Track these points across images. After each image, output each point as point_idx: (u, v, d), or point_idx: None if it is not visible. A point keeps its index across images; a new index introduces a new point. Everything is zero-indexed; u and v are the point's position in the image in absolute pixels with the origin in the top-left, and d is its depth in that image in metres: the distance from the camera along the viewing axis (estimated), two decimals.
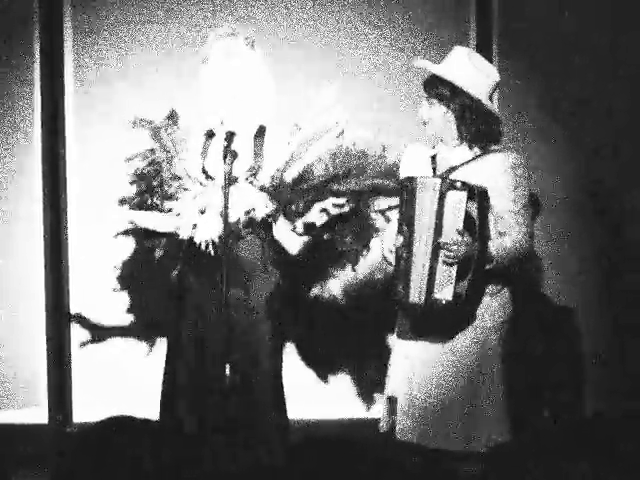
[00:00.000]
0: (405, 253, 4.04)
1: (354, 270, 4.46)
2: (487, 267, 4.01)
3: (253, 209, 4.18)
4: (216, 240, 4.18)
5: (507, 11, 5.53)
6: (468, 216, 3.95)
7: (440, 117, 4.11)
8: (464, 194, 3.95)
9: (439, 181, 3.99)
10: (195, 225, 4.21)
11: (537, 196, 5.27)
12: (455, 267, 3.95)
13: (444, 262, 3.96)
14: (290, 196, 4.20)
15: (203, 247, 4.19)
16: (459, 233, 3.93)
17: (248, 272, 4.23)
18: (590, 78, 5.49)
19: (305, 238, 4.27)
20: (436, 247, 3.98)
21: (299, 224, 4.23)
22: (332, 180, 4.20)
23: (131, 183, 4.43)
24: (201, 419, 4.26)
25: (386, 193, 4.28)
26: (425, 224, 4.00)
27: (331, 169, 4.20)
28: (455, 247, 3.93)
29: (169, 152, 4.32)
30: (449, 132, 4.12)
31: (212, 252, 4.18)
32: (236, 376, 4.15)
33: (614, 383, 5.52)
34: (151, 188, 4.38)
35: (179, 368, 4.31)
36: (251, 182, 4.20)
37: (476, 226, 3.95)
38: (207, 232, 4.19)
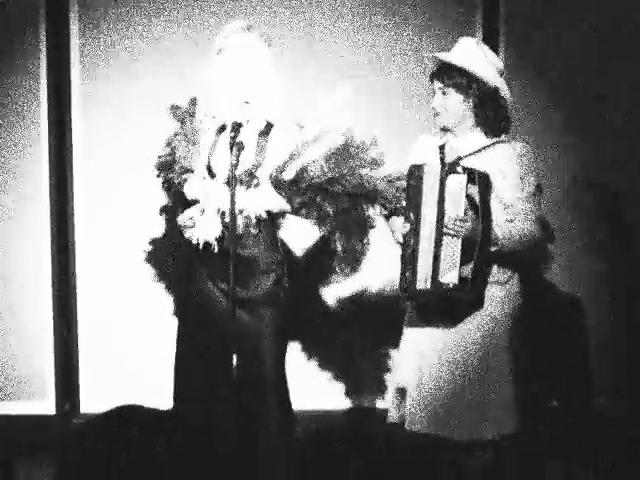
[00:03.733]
0: (412, 240, 4.07)
1: (346, 269, 4.46)
2: (493, 249, 4.04)
3: (246, 209, 4.18)
4: (212, 241, 4.19)
5: (513, 6, 5.53)
6: (470, 199, 3.99)
7: (457, 106, 4.14)
8: (464, 177, 4.00)
9: (439, 166, 4.04)
10: (194, 225, 4.22)
11: (553, 186, 5.29)
12: (459, 250, 3.99)
13: (448, 246, 3.99)
14: (286, 195, 4.21)
15: (201, 247, 4.20)
16: (460, 214, 3.97)
17: (249, 268, 4.23)
18: (596, 71, 5.49)
19: (310, 239, 4.28)
20: (439, 231, 4.01)
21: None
22: (328, 182, 4.20)
23: (157, 175, 4.45)
24: (208, 410, 4.26)
25: (380, 203, 4.27)
26: (430, 209, 4.03)
27: (326, 170, 4.20)
28: (455, 226, 3.96)
29: (188, 142, 4.32)
30: (464, 121, 4.16)
31: (216, 249, 4.19)
32: (242, 368, 4.17)
33: (620, 379, 5.52)
34: (168, 180, 4.40)
35: (187, 360, 4.32)
36: (248, 182, 4.20)
37: (478, 208, 3.99)
38: (205, 232, 4.20)
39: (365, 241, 4.26)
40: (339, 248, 4.23)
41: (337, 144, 4.22)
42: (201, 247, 4.21)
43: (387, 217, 4.29)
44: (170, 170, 4.37)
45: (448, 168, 4.03)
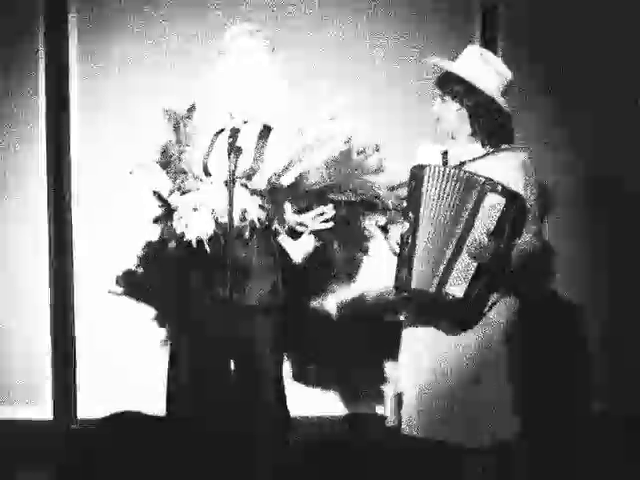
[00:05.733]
0: (410, 239, 4.05)
1: (345, 278, 4.46)
2: (508, 270, 4.02)
3: (245, 211, 4.17)
4: (205, 238, 4.18)
5: (512, 12, 5.53)
6: (501, 221, 3.96)
7: (453, 114, 4.13)
8: (503, 200, 3.96)
9: (483, 180, 3.99)
10: (187, 224, 4.21)
11: (550, 191, 5.28)
12: (474, 267, 3.97)
13: (464, 259, 3.98)
14: (284, 201, 4.19)
15: (194, 244, 4.19)
16: (489, 236, 3.94)
17: (243, 271, 4.22)
18: (596, 80, 5.49)
19: (309, 247, 4.27)
20: (460, 243, 3.99)
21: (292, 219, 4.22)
22: (326, 189, 4.19)
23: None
24: (205, 415, 4.26)
25: (380, 210, 4.25)
26: (447, 216, 4.01)
27: (326, 177, 4.19)
28: (482, 249, 3.94)
29: (181, 146, 4.32)
30: (462, 129, 4.15)
31: (207, 249, 4.17)
32: (239, 374, 4.17)
33: (619, 381, 5.52)
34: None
35: (182, 366, 4.31)
36: (245, 185, 4.19)
37: (506, 232, 3.96)
38: (198, 230, 4.18)
39: (365, 250, 4.26)
40: (339, 259, 4.22)
41: (339, 151, 4.21)
42: (194, 244, 4.19)
43: (383, 228, 4.27)
44: (165, 170, 4.36)
45: (490, 186, 3.97)
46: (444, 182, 4.03)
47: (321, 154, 4.21)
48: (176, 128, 4.36)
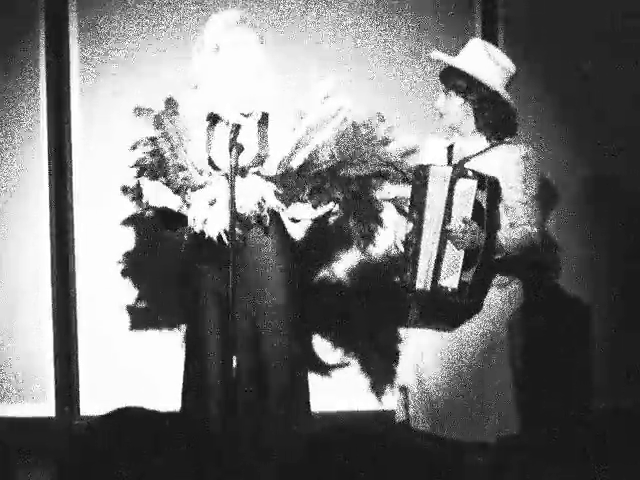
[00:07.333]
0: (414, 239, 4.06)
1: (363, 253, 4.45)
2: (496, 257, 4.02)
3: (263, 200, 4.16)
4: (223, 233, 4.16)
5: (512, 9, 5.55)
6: (478, 205, 3.96)
7: (457, 109, 4.14)
8: (474, 182, 3.97)
9: (450, 169, 4.02)
10: (206, 219, 4.18)
11: (553, 186, 5.29)
12: (462, 255, 3.97)
13: (451, 249, 3.98)
14: (297, 183, 4.19)
15: (215, 240, 4.17)
16: (466, 221, 3.94)
17: (257, 259, 4.22)
18: (597, 67, 5.50)
19: (306, 224, 4.27)
20: (443, 234, 4.00)
21: (297, 210, 4.23)
22: (337, 166, 4.19)
23: (137, 175, 4.38)
24: (222, 412, 4.24)
25: (392, 179, 4.25)
26: (435, 211, 4.02)
27: (336, 154, 4.19)
28: (462, 234, 3.94)
29: (172, 141, 4.26)
30: (466, 124, 4.15)
31: (227, 242, 4.14)
32: (251, 368, 4.16)
33: (622, 377, 5.52)
34: (155, 178, 4.34)
35: (200, 361, 4.29)
36: (258, 172, 4.18)
37: (485, 215, 3.97)
38: (218, 224, 4.16)
39: (374, 225, 4.25)
40: (356, 234, 4.21)
41: (345, 127, 4.21)
42: (215, 240, 4.17)
43: (396, 208, 4.27)
44: (160, 172, 4.29)
45: (459, 171, 4.01)
46: (440, 179, 4.04)
47: (326, 132, 4.21)
48: (159, 126, 4.30)
